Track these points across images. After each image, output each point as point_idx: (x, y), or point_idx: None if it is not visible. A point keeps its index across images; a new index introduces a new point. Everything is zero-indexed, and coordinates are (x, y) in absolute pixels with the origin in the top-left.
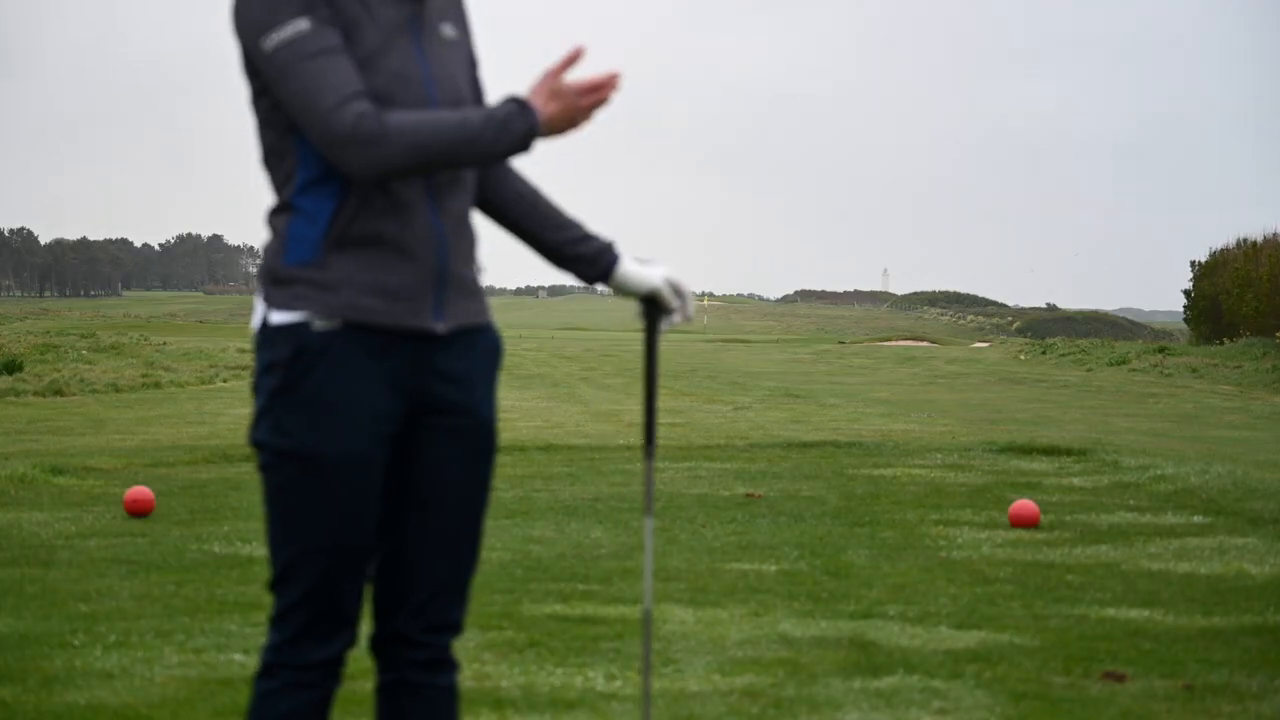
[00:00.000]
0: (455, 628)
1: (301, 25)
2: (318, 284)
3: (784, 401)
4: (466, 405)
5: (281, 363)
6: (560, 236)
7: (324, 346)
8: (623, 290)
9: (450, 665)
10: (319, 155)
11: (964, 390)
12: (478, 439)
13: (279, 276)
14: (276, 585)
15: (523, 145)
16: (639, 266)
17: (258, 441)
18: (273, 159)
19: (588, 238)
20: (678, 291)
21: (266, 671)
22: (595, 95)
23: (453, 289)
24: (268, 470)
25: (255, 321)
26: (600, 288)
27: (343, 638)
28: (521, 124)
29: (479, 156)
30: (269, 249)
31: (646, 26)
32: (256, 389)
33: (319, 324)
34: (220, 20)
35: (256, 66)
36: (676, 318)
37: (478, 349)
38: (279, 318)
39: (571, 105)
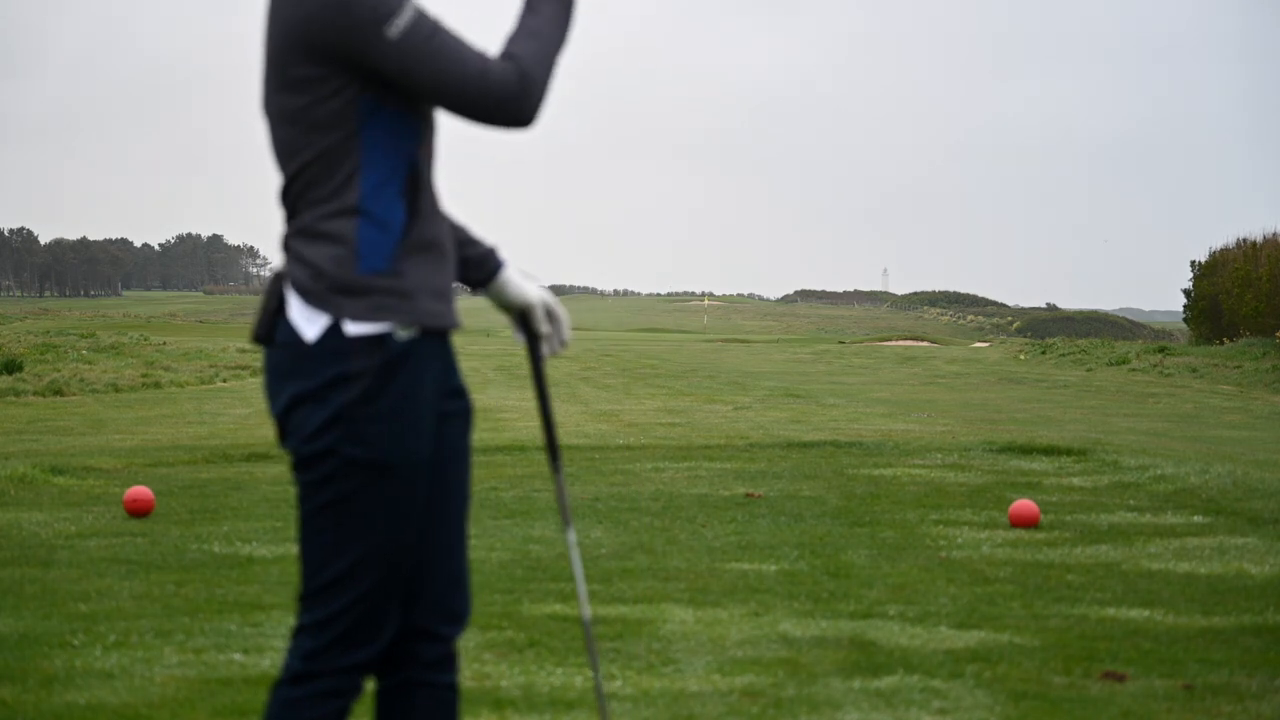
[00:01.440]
0: (467, 616)
1: (414, 5)
2: (397, 293)
3: (784, 401)
4: (458, 385)
5: (365, 373)
6: None
7: (405, 355)
8: (498, 300)
9: (453, 662)
10: (386, 155)
11: (964, 390)
12: (469, 415)
13: (351, 286)
14: (320, 593)
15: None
16: (521, 279)
17: (323, 451)
18: (322, 164)
19: (472, 240)
20: (550, 315)
21: (295, 679)
22: None
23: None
24: (329, 480)
25: (311, 331)
26: (605, 286)
27: (381, 640)
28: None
29: (566, 42)
30: (326, 255)
31: (647, 26)
32: (315, 399)
33: (402, 334)
34: (221, 21)
35: (367, 61)
36: (553, 344)
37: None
38: (358, 329)
39: None
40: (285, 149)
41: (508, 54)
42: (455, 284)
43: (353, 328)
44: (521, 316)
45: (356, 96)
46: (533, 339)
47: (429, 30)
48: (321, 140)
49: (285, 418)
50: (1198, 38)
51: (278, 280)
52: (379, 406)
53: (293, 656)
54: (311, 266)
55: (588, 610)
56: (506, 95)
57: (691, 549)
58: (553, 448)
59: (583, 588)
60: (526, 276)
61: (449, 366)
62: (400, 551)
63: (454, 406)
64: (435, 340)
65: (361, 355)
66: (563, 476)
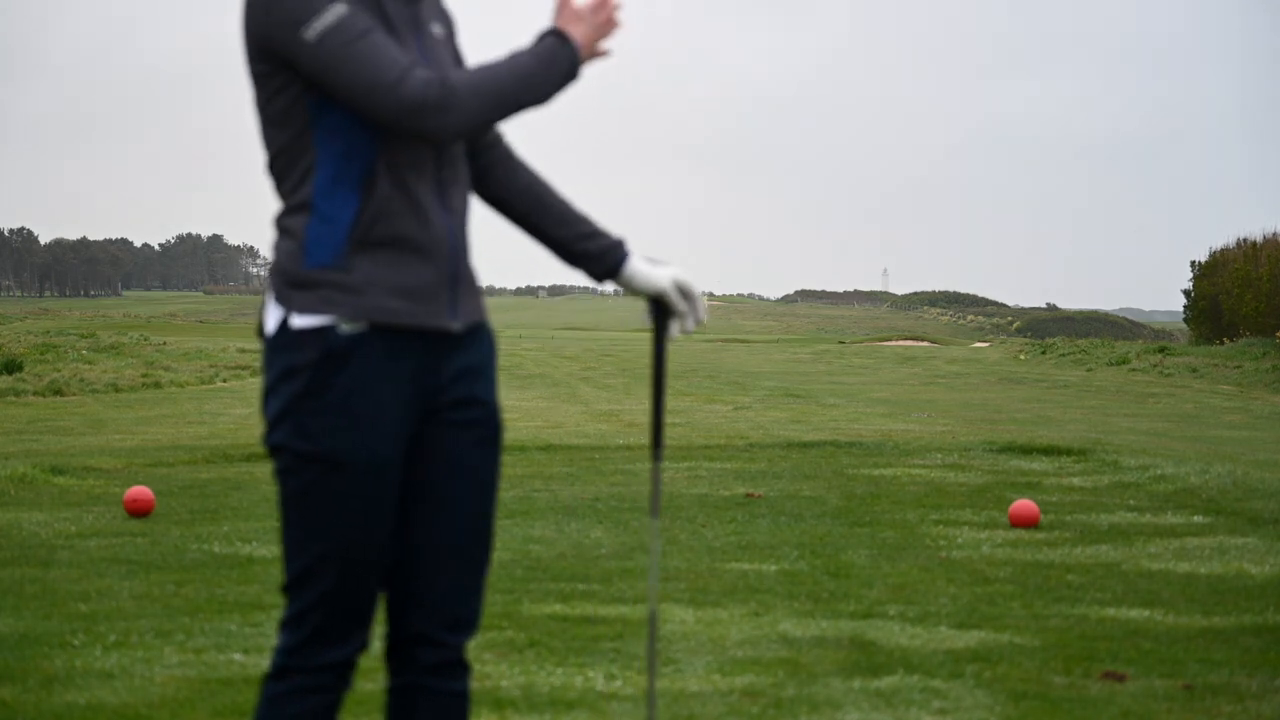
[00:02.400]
0: (472, 624)
1: (340, 9)
2: (343, 287)
3: (784, 401)
4: (478, 395)
5: (307, 366)
6: (567, 232)
7: (350, 349)
8: (630, 289)
9: (463, 669)
10: (339, 153)
11: (964, 390)
12: (489, 427)
13: (299, 280)
14: (292, 587)
15: (573, 74)
16: (648, 266)
17: (277, 444)
18: (284, 160)
19: (596, 234)
20: (686, 294)
21: (278, 674)
22: (608, 7)
23: (463, 287)
24: (288, 474)
25: (270, 325)
26: (606, 287)
27: (356, 640)
28: (566, 54)
29: (540, 96)
30: (283, 251)
31: (647, 26)
32: (272, 392)
33: (345, 327)
34: (221, 21)
35: (292, 62)
36: (687, 324)
37: (482, 343)
38: (302, 321)
39: (594, 23)
40: (262, 143)
41: (450, 75)
42: (433, 284)
43: (298, 320)
44: (656, 303)
45: (301, 94)
46: (660, 325)
47: (351, 35)
48: (279, 136)
49: (262, 410)
50: (1198, 38)
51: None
52: (323, 400)
53: (276, 651)
54: (275, 262)
55: (656, 605)
56: (419, 106)
57: (691, 549)
58: (658, 438)
59: (655, 582)
60: (654, 262)
61: (438, 369)
62: (359, 550)
63: (462, 415)
64: (402, 338)
65: (305, 348)
66: (659, 467)
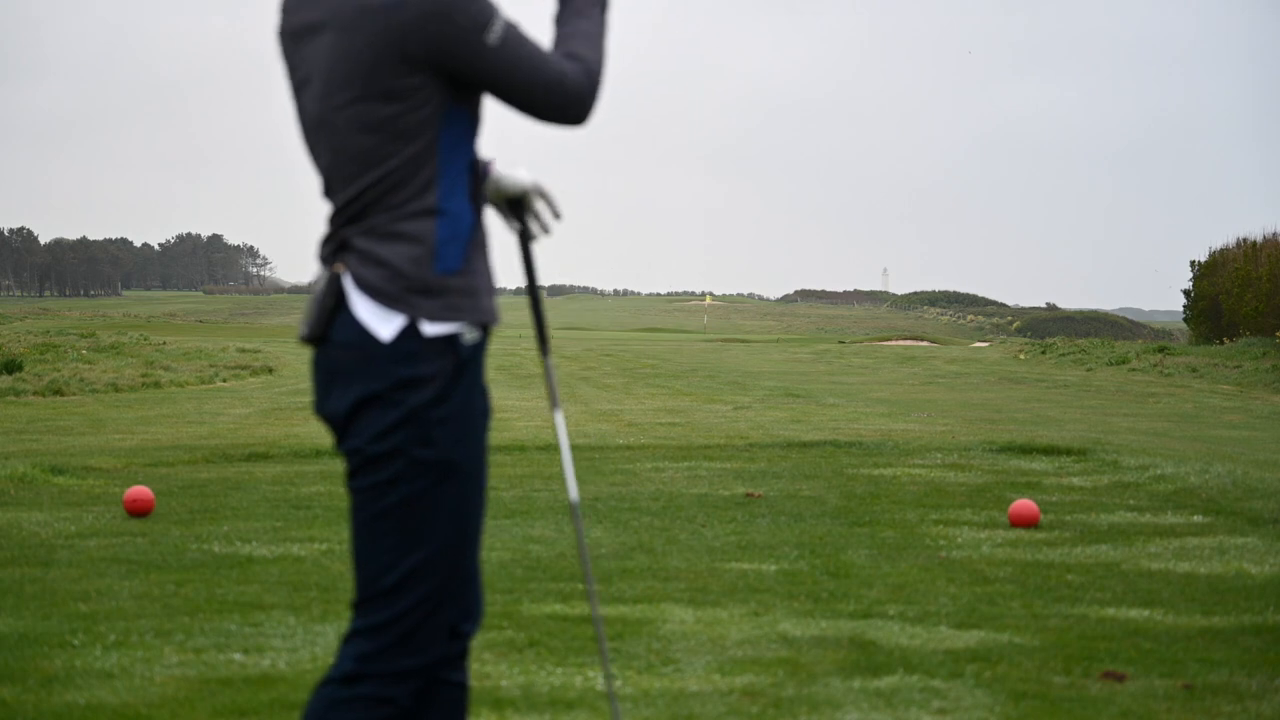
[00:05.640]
0: (482, 615)
1: (501, 13)
2: (465, 292)
3: (784, 401)
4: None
5: (437, 376)
6: None
7: (470, 357)
8: (496, 193)
9: (466, 661)
10: (460, 162)
11: (964, 390)
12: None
13: (429, 286)
14: (384, 596)
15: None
16: (509, 170)
17: (389, 451)
18: (403, 171)
19: None
20: (541, 194)
21: (347, 679)
22: None
23: None
24: (395, 481)
25: (387, 332)
26: (606, 287)
27: (436, 648)
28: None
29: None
30: (408, 256)
31: (648, 27)
32: (385, 400)
33: (468, 335)
34: (221, 21)
35: (466, 69)
36: (545, 219)
37: None
38: (434, 330)
39: None
40: (361, 158)
41: (573, 55)
42: None
43: (429, 328)
44: (510, 205)
45: (444, 102)
46: (523, 231)
47: (518, 37)
48: (408, 148)
49: (349, 419)
50: (1198, 40)
51: (336, 279)
52: (446, 409)
53: (345, 658)
54: (388, 267)
55: (575, 492)
56: (579, 97)
57: (691, 549)
58: (542, 337)
59: (569, 471)
60: (511, 165)
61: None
62: (460, 555)
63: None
64: (486, 338)
65: (435, 357)
66: (551, 362)
